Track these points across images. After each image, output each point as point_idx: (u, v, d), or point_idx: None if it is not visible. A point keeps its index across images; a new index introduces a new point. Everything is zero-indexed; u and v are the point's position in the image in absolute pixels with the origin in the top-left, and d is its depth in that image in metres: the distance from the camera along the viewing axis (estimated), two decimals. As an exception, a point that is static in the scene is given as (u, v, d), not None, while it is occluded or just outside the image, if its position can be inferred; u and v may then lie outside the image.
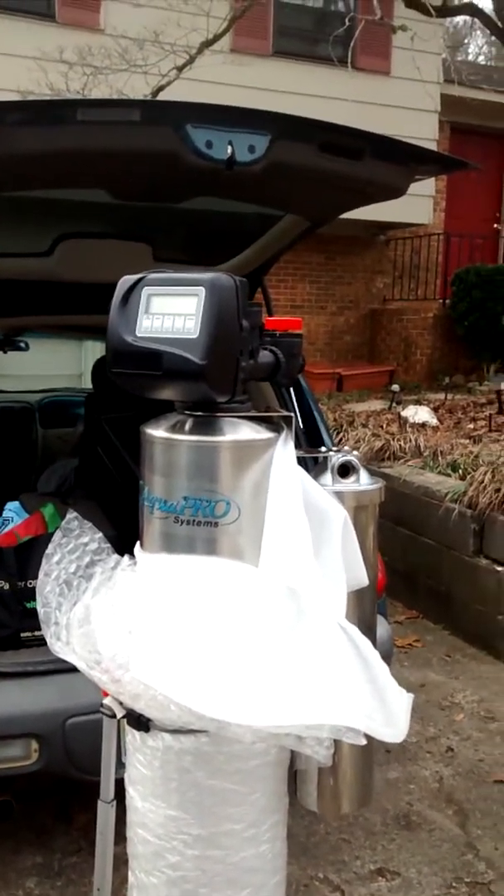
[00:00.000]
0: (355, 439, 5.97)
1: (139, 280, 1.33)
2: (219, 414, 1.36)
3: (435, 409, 6.96)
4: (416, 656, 4.42)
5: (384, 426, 6.36)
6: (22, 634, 2.64)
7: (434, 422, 6.50)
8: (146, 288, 1.32)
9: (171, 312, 1.28)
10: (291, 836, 2.75)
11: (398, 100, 9.11)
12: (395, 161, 2.19)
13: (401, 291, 10.82)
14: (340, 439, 6.04)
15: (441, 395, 7.90)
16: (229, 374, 1.30)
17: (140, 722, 1.40)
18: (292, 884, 2.59)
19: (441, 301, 10.05)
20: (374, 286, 11.04)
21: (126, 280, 1.34)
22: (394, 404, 7.32)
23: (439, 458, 5.44)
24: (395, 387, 7.99)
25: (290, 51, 9.24)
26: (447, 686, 4.05)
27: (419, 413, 6.52)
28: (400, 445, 5.79)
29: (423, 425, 6.37)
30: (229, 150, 1.93)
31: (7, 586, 2.77)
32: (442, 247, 10.46)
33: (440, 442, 5.79)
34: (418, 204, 9.65)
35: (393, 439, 5.88)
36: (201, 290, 1.26)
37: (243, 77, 7.98)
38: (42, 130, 1.90)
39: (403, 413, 6.71)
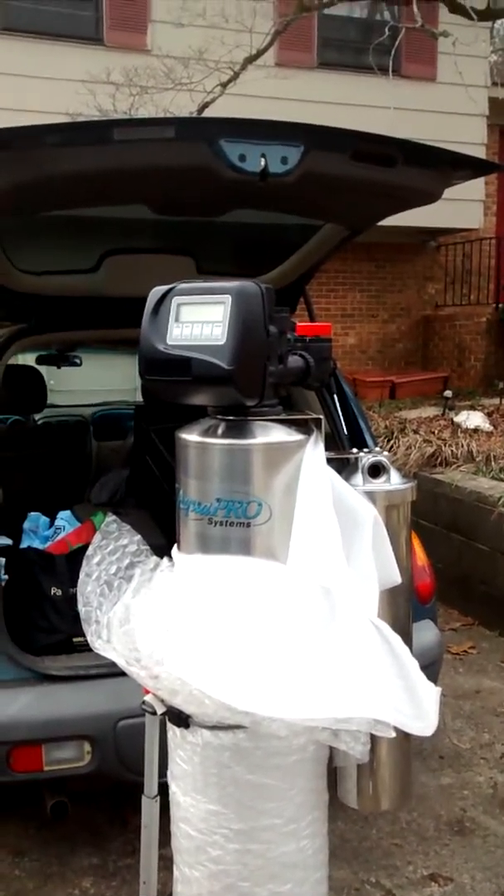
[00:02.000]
0: (406, 446, 5.95)
1: (169, 290, 1.38)
2: (250, 418, 1.40)
3: (489, 415, 6.88)
4: (472, 663, 4.38)
5: (436, 432, 6.32)
6: (74, 639, 2.72)
7: (487, 427, 6.43)
8: (176, 297, 1.37)
9: (200, 320, 1.33)
10: (344, 840, 2.79)
11: (445, 105, 9.07)
12: (428, 167, 2.21)
13: (453, 297, 10.74)
14: (391, 446, 6.02)
15: (496, 401, 7.81)
16: (257, 378, 1.34)
17: (180, 718, 1.45)
18: (344, 888, 2.60)
19: (494, 305, 9.95)
20: (425, 292, 10.97)
21: (157, 291, 1.39)
22: (446, 410, 7.26)
23: (492, 463, 5.38)
24: (448, 393, 7.92)
25: (335, 62, 9.29)
26: (502, 692, 4.00)
27: (471, 418, 6.46)
28: (452, 451, 5.75)
29: (476, 430, 6.31)
30: (262, 162, 1.98)
31: (59, 592, 2.85)
32: (494, 251, 10.35)
33: (493, 447, 5.73)
34: (468, 209, 9.57)
35: (445, 445, 5.84)
36: (227, 298, 1.30)
37: (288, 90, 8.05)
38: (81, 151, 1.97)
39: (456, 419, 6.66)
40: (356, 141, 2.08)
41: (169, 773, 1.53)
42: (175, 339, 1.35)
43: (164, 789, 1.56)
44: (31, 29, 8.08)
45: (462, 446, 5.77)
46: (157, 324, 1.37)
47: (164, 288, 1.39)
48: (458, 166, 2.24)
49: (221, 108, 7.13)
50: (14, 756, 2.42)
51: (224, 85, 7.30)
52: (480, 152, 9.11)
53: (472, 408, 7.26)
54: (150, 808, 1.62)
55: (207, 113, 7.21)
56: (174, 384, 1.37)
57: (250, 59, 7.24)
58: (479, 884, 2.65)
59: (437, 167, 2.24)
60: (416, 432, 6.29)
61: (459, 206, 8.78)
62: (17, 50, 7.92)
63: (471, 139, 9.03)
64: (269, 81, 7.73)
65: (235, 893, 1.45)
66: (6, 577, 2.90)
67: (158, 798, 1.62)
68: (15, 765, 2.42)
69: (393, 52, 7.17)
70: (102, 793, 2.97)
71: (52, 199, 2.33)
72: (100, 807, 2.98)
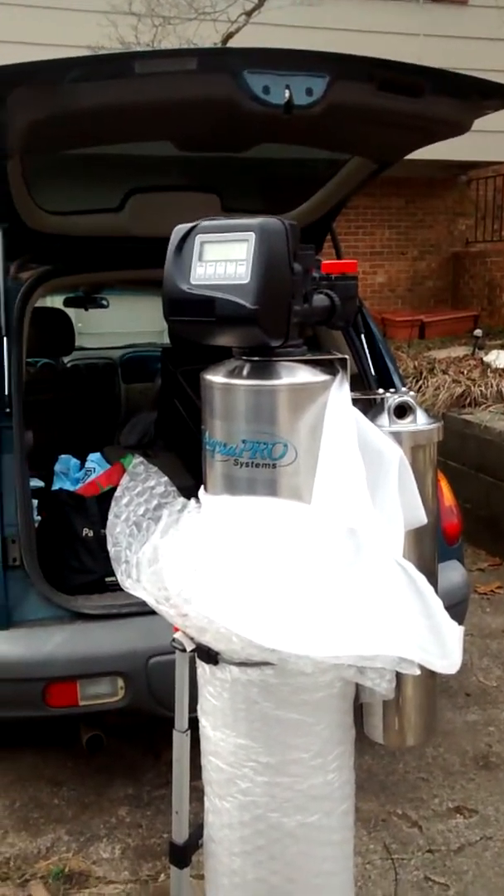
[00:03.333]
0: (435, 386, 5.89)
1: (192, 228, 1.36)
2: (274, 358, 1.39)
3: (520, 353, 6.78)
4: (499, 602, 4.40)
5: (465, 372, 6.24)
6: (107, 579, 2.77)
7: (518, 366, 6.34)
8: (199, 236, 1.35)
9: (223, 259, 1.30)
10: (371, 774, 2.85)
11: (477, 30, 8.70)
12: (457, 96, 2.14)
13: (484, 233, 10.47)
14: (420, 387, 5.96)
15: (527, 339, 7.68)
16: (282, 318, 1.32)
17: (209, 655, 1.47)
18: (371, 819, 2.67)
19: (527, 241, 9.71)
20: (455, 228, 10.71)
21: (180, 229, 1.37)
22: (476, 350, 7.16)
23: (522, 403, 5.33)
24: (479, 332, 7.79)
25: (363, -13, 8.93)
26: (530, 631, 4.03)
27: (501, 358, 6.37)
28: (481, 391, 5.69)
29: (507, 370, 6.23)
30: (287, 94, 1.93)
31: (91, 533, 2.90)
32: (528, 184, 10.06)
33: (524, 386, 5.66)
34: (500, 140, 9.26)
35: (474, 385, 5.78)
36: (251, 236, 1.28)
37: (314, 18, 7.76)
38: (101, 85, 1.93)
39: (486, 358, 6.56)
40: (382, 70, 2.02)
41: (199, 707, 1.56)
42: (198, 278, 1.33)
43: (194, 724, 1.60)
44: (50, -41, 7.85)
45: (491, 386, 5.71)
46: (180, 263, 1.35)
47: (187, 226, 1.37)
48: (488, 95, 2.16)
49: (246, 38, 6.91)
50: (50, 692, 2.49)
51: (248, 14, 7.07)
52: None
53: (503, 347, 7.14)
54: (181, 742, 1.66)
55: (232, 43, 7.00)
56: (198, 325, 1.35)
57: (276, -14, 6.99)
58: (503, 815, 2.71)
59: (466, 96, 2.16)
60: (444, 372, 6.21)
61: (491, 138, 8.44)
62: (36, -19, 7.71)
63: (505, 66, 8.70)
64: (295, 9, 7.46)
65: (264, 824, 1.49)
66: (39, 518, 2.95)
67: (189, 732, 1.66)
68: (51, 700, 2.50)
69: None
70: (136, 727, 3.05)
71: (74, 136, 2.30)
72: (134, 740, 3.07)
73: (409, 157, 2.72)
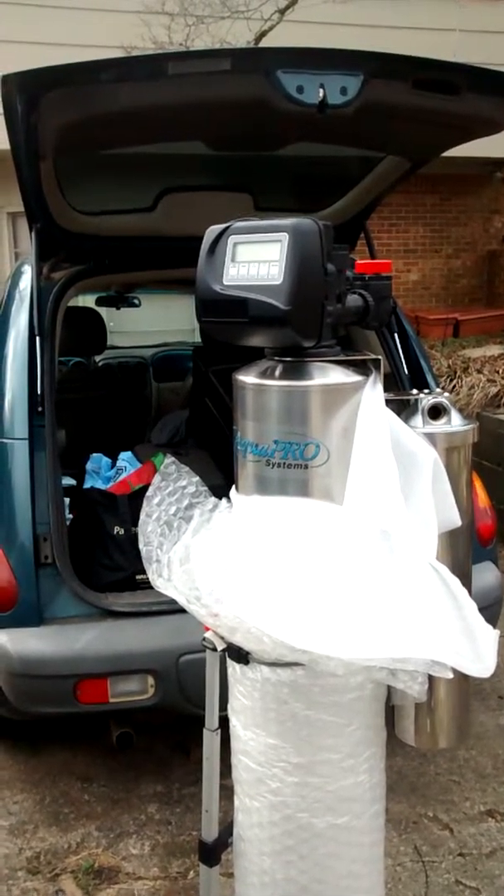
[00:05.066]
0: (469, 385, 5.84)
1: (225, 229, 1.36)
2: (307, 359, 1.39)
3: None
4: (532, 604, 4.34)
5: (500, 371, 6.18)
6: (137, 577, 2.78)
7: (553, 365, 6.26)
8: (232, 237, 1.35)
9: (256, 259, 1.30)
10: (402, 775, 2.84)
11: (514, 25, 8.62)
12: (493, 93, 2.11)
13: (520, 230, 10.38)
14: (454, 387, 5.91)
15: None
16: (315, 319, 1.31)
17: (240, 655, 1.47)
18: (401, 821, 2.66)
19: None
20: (491, 226, 10.61)
21: (213, 230, 1.37)
22: (511, 348, 7.08)
23: None
24: (513, 330, 7.72)
25: (398, -18, 8.87)
26: None
27: (537, 356, 6.29)
28: (516, 391, 5.63)
29: (542, 369, 6.16)
30: (321, 93, 1.92)
31: (122, 532, 2.91)
32: None
33: None
34: (538, 137, 9.17)
35: (509, 384, 5.72)
36: (284, 236, 1.27)
37: (349, 15, 7.73)
38: (134, 87, 1.94)
39: (521, 357, 6.50)
40: (417, 68, 2.01)
41: (229, 707, 1.56)
42: (231, 279, 1.33)
43: (224, 723, 1.60)
44: (84, -39, 7.90)
45: (527, 385, 5.65)
46: (213, 264, 1.35)
47: (220, 227, 1.37)
48: (525, 92, 2.14)
49: (280, 37, 6.91)
50: (81, 688, 2.51)
51: (282, 11, 7.07)
52: None
53: (538, 345, 7.07)
54: (211, 741, 1.67)
55: (265, 42, 7.00)
56: (231, 326, 1.35)
57: (309, -17, 6.97)
58: (536, 820, 2.68)
59: (502, 94, 2.14)
60: (479, 372, 6.16)
61: (528, 135, 8.41)
62: (71, -17, 7.76)
63: (543, 62, 8.59)
64: (330, 6, 7.43)
65: (294, 824, 1.48)
66: (71, 516, 2.97)
67: (219, 731, 1.66)
68: (82, 697, 2.52)
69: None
70: (166, 724, 3.07)
71: (107, 137, 2.31)
72: (164, 738, 3.09)
73: (444, 154, 2.70)
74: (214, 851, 1.72)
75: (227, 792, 1.65)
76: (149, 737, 3.01)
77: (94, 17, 7.37)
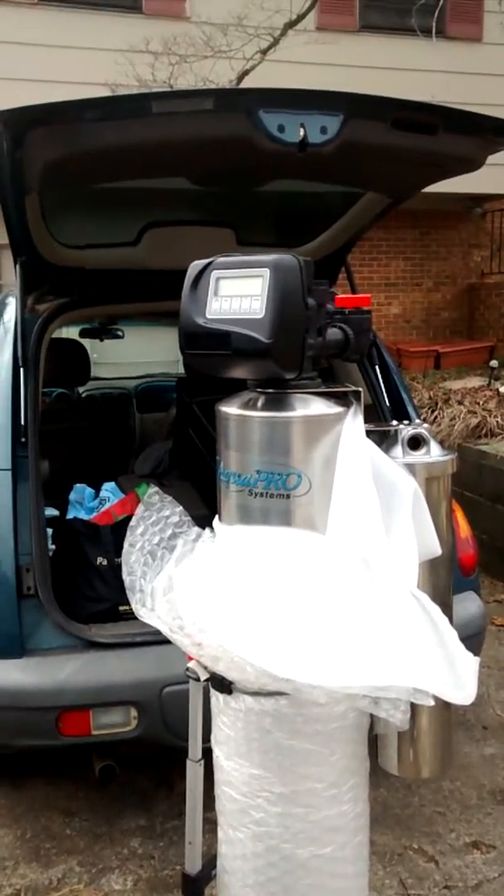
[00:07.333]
0: (450, 416, 5.90)
1: (208, 264, 1.39)
2: (289, 390, 1.41)
3: (534, 384, 6.79)
4: (515, 634, 4.36)
5: (481, 403, 6.25)
6: (120, 608, 2.78)
7: (533, 397, 6.34)
8: (215, 271, 1.38)
9: (239, 294, 1.33)
10: (387, 807, 2.82)
11: (492, 67, 8.85)
12: (470, 133, 2.18)
13: (499, 264, 10.54)
14: (435, 418, 5.97)
15: (542, 370, 7.68)
16: (296, 352, 1.34)
17: (223, 684, 1.48)
18: (386, 853, 2.64)
19: (542, 273, 9.75)
20: (471, 260, 10.79)
21: (196, 265, 1.40)
22: (492, 380, 7.18)
23: (538, 434, 5.32)
24: (494, 363, 7.82)
25: (377, 24, 9.10)
26: (546, 663, 3.99)
27: (516, 388, 6.38)
28: (497, 422, 5.69)
29: (522, 401, 6.23)
30: (301, 132, 1.97)
31: (105, 562, 2.91)
32: (542, 216, 10.13)
33: (539, 417, 5.67)
34: (514, 173, 9.36)
35: (490, 416, 5.79)
36: (266, 272, 1.31)
37: (329, 55, 7.92)
38: (119, 125, 1.98)
39: (502, 389, 6.58)
40: (396, 109, 2.06)
41: (212, 737, 1.56)
42: (214, 312, 1.36)
43: (207, 754, 1.60)
44: (69, -1, 8.06)
45: (507, 416, 5.71)
46: (196, 298, 1.38)
47: (203, 262, 1.40)
48: (500, 132, 2.20)
49: (261, 76, 7.05)
50: (63, 721, 2.49)
51: (264, 52, 7.22)
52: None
53: (518, 377, 7.16)
54: (194, 772, 1.67)
55: (247, 81, 7.14)
56: (214, 358, 1.38)
57: (290, 24, 7.14)
58: (521, 851, 2.67)
59: (479, 133, 2.20)
60: (460, 403, 6.23)
61: (505, 171, 8.59)
62: (55, 20, 7.91)
63: (519, 101, 8.80)
64: (310, 47, 7.61)
65: (277, 855, 1.48)
66: (53, 547, 2.97)
67: (203, 762, 1.66)
68: (64, 729, 2.50)
69: (437, 11, 7.00)
70: (149, 757, 3.04)
71: (91, 173, 2.35)
72: (147, 771, 3.06)
73: (424, 190, 2.76)
74: (198, 885, 1.71)
75: (210, 825, 1.64)
76: (131, 770, 2.99)
77: (79, 55, 7.50)
